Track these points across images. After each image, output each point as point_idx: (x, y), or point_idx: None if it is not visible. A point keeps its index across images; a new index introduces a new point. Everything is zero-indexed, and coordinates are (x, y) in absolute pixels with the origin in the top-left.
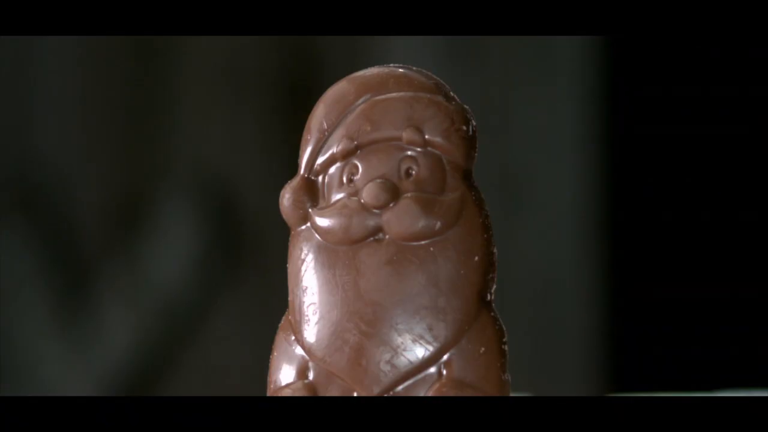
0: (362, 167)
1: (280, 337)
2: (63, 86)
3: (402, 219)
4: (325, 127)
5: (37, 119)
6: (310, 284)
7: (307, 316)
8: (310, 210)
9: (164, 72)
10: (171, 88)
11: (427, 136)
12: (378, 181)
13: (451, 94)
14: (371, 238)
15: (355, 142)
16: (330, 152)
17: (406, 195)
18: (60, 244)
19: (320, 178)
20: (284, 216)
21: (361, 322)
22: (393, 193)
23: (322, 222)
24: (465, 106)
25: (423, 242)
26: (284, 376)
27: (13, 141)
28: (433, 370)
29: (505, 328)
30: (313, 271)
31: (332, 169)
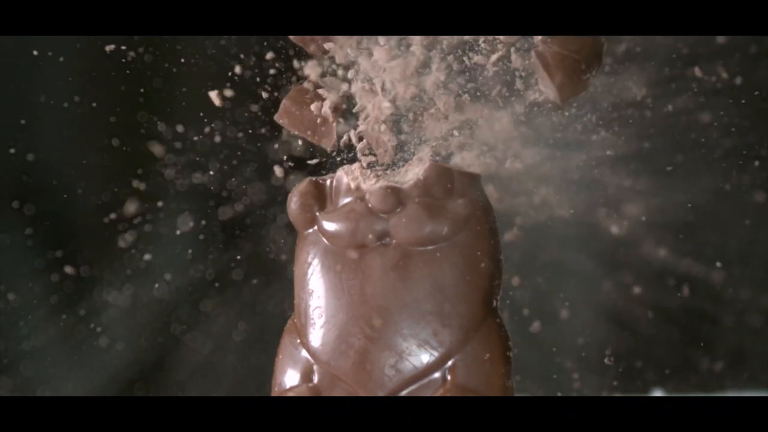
0: None
1: (285, 341)
2: (63, 85)
3: (409, 224)
4: None
5: (36, 118)
6: (316, 288)
7: (313, 319)
8: (317, 213)
9: (165, 70)
10: (171, 86)
11: None
12: (385, 186)
13: None
14: (378, 243)
15: None
16: None
17: (413, 200)
18: (60, 243)
19: (328, 182)
20: (291, 219)
21: (367, 326)
22: (400, 198)
23: (329, 226)
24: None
25: (429, 247)
26: (289, 379)
27: (12, 140)
28: (437, 375)
29: (510, 335)
30: (319, 275)
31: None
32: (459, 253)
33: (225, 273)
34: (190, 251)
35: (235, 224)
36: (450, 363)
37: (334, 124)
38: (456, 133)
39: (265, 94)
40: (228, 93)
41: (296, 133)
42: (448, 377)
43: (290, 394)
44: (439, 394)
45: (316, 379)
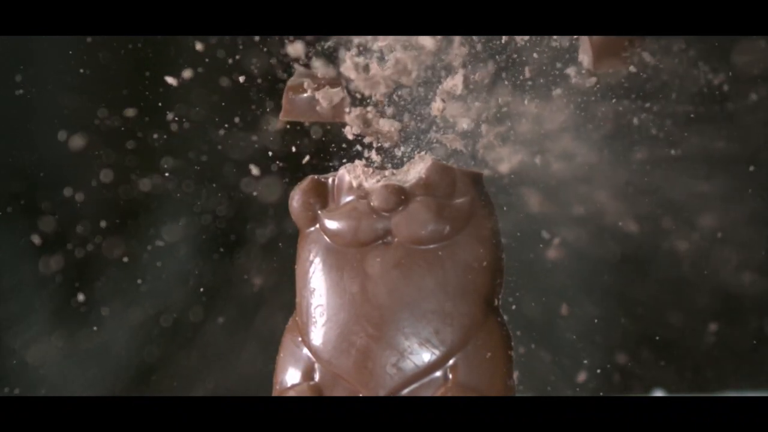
0: None
1: (286, 339)
2: (63, 85)
3: (411, 222)
4: None
5: (35, 118)
6: (317, 286)
7: (314, 317)
8: (319, 212)
9: (165, 70)
10: (171, 85)
11: None
12: (387, 184)
13: None
14: (380, 241)
15: None
16: None
17: (415, 199)
18: (59, 242)
19: (330, 180)
20: (293, 217)
21: (368, 324)
22: (402, 196)
23: (331, 224)
24: None
25: (431, 246)
26: (290, 377)
27: (12, 141)
28: (438, 374)
29: (511, 334)
30: (320, 273)
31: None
32: (461, 252)
33: (226, 272)
34: (139, 281)
35: (202, 246)
36: (451, 362)
37: (342, 96)
38: (472, 122)
39: (241, 78)
40: (187, 74)
41: (308, 122)
42: (450, 376)
43: (291, 392)
44: (440, 392)
45: (317, 377)
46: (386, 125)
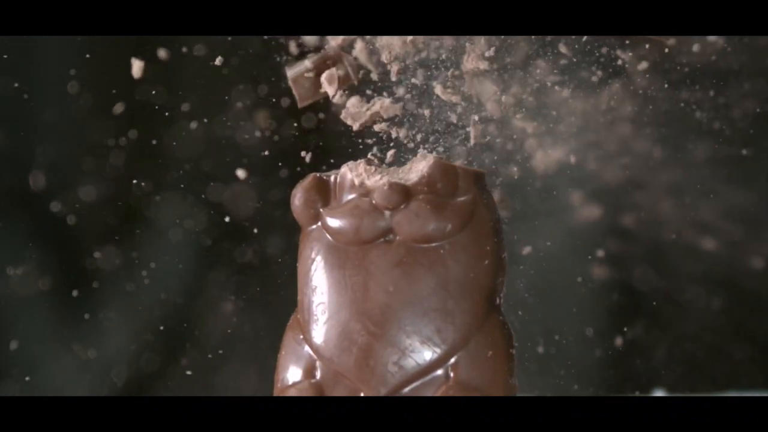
0: None
1: (288, 336)
2: (62, 85)
3: (413, 220)
4: None
5: (35, 119)
6: (319, 284)
7: (316, 315)
8: (321, 210)
9: (164, 70)
10: (171, 86)
11: None
12: (389, 182)
13: None
14: (381, 240)
15: None
16: None
17: (417, 197)
18: (59, 243)
19: (332, 178)
20: (295, 215)
21: (370, 322)
22: (404, 194)
23: (333, 222)
24: None
25: (433, 244)
26: (291, 375)
27: (11, 141)
28: (440, 372)
29: (513, 333)
30: (322, 271)
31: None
32: (462, 251)
33: (225, 271)
34: (88, 314)
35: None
36: (453, 360)
37: (344, 67)
38: (497, 112)
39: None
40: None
41: (321, 98)
42: (451, 374)
43: (292, 390)
44: (441, 391)
45: (318, 375)
46: (385, 108)
